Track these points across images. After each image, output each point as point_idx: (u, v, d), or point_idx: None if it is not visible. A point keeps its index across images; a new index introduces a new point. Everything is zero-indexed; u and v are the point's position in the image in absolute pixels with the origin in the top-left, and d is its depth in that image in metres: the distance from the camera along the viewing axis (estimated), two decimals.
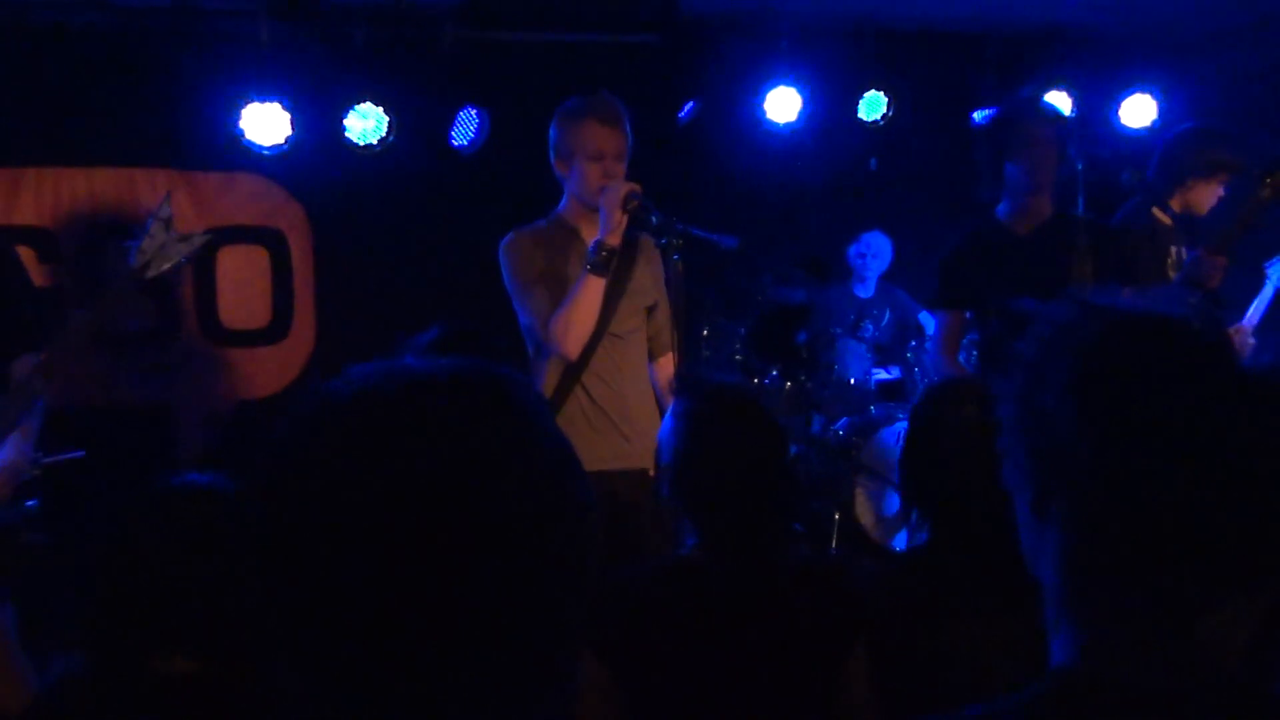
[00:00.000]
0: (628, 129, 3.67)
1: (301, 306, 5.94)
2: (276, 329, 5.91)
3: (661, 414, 3.09)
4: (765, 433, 2.35)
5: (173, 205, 3.24)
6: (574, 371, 3.69)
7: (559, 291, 3.64)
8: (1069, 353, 1.13)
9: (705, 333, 6.01)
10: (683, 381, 2.51)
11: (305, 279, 5.94)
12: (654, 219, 3.49)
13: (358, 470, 0.87)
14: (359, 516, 0.86)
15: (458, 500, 0.86)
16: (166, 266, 3.20)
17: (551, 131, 3.74)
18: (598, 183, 3.62)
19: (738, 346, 6.08)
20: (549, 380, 3.70)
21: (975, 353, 4.97)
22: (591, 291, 3.58)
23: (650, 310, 3.88)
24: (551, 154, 3.75)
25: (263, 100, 5.12)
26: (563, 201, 3.81)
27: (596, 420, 3.71)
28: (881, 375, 6.37)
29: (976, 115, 6.11)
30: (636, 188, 3.55)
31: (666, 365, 3.93)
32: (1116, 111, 6.12)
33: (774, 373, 6.07)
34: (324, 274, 5.97)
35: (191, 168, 5.68)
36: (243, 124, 5.12)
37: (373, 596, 0.86)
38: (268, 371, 5.84)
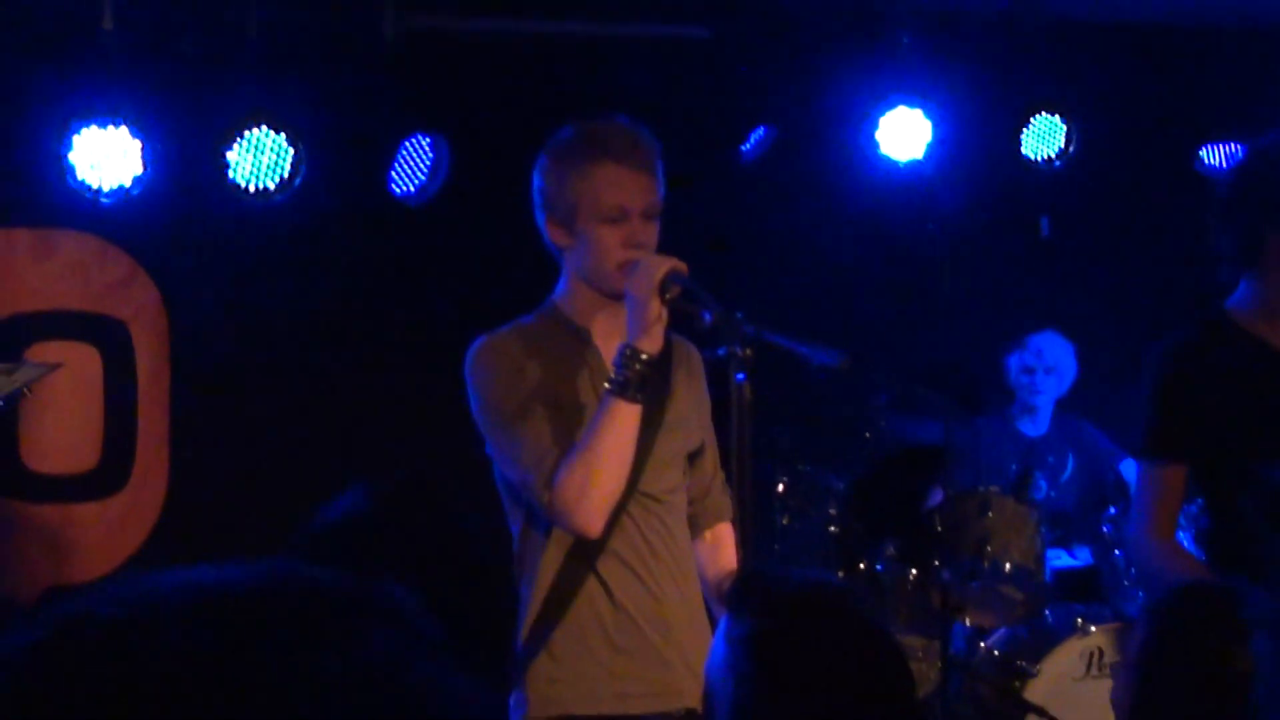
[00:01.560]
0: (659, 174, 3.46)
1: (149, 440, 5.19)
2: (110, 475, 5.14)
3: (715, 622, 2.84)
4: (877, 663, 2.03)
5: None
6: (587, 555, 3.44)
7: (565, 427, 3.40)
8: None
9: (781, 489, 5.39)
10: (743, 586, 2.20)
11: (156, 397, 5.21)
12: (706, 315, 3.29)
13: None
14: None
15: None
16: None
17: (538, 178, 3.44)
18: (619, 257, 3.37)
19: (833, 513, 5.50)
20: (546, 568, 3.41)
21: (1195, 528, 4.54)
22: (621, 425, 3.35)
23: (694, 457, 3.60)
24: (540, 214, 3.44)
25: (103, 124, 4.51)
26: (560, 285, 3.54)
27: (620, 632, 3.43)
28: (1063, 559, 5.65)
29: (1207, 155, 5.71)
30: (680, 266, 3.32)
31: (719, 544, 3.62)
32: None
33: (889, 553, 5.44)
34: (184, 389, 5.21)
35: None
36: (72, 157, 4.47)
37: None
38: (94, 539, 5.07)
